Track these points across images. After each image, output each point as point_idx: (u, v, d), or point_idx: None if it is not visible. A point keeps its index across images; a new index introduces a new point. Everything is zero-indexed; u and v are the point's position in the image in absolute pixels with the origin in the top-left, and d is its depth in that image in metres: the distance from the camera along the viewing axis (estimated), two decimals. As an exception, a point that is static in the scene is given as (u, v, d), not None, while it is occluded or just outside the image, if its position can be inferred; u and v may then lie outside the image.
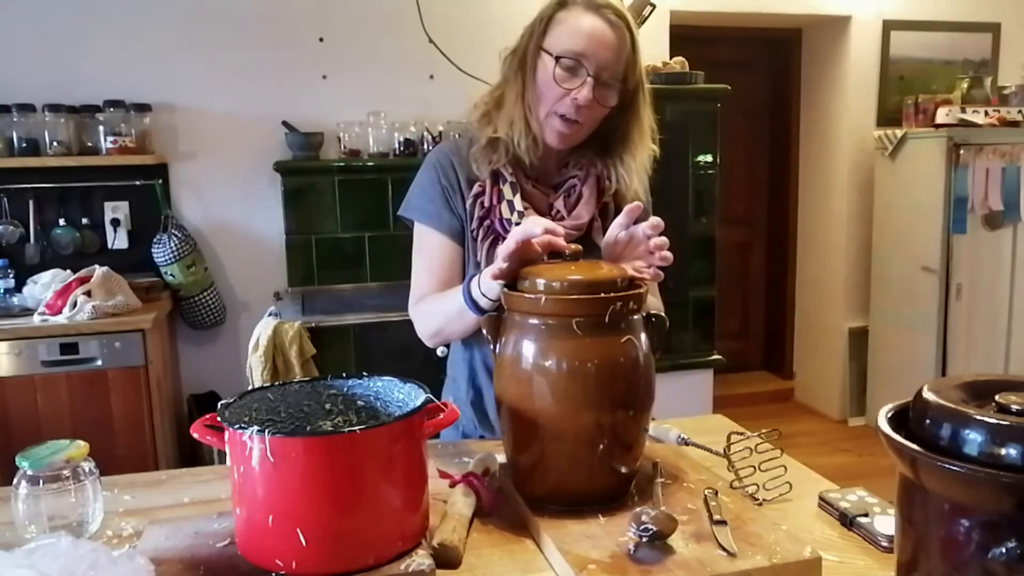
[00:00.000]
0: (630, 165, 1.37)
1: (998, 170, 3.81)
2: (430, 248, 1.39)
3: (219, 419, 0.89)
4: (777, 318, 5.02)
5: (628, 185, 1.37)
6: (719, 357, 3.47)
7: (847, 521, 1.01)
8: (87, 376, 2.75)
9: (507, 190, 1.34)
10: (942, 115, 3.89)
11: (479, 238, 1.35)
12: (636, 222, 1.16)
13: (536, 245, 1.08)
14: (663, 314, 1.39)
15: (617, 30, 1.27)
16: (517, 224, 1.31)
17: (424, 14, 3.41)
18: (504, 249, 1.08)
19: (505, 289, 1.06)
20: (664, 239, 1.10)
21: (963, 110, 3.88)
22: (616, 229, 1.17)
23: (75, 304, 2.78)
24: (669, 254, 1.09)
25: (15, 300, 2.95)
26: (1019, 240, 3.92)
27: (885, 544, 0.95)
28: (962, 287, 3.86)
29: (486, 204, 1.34)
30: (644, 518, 0.89)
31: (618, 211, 1.39)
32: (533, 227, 1.08)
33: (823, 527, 1.03)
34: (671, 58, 3.51)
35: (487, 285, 1.17)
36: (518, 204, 1.33)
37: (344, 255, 3.40)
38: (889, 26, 4.22)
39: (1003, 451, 0.61)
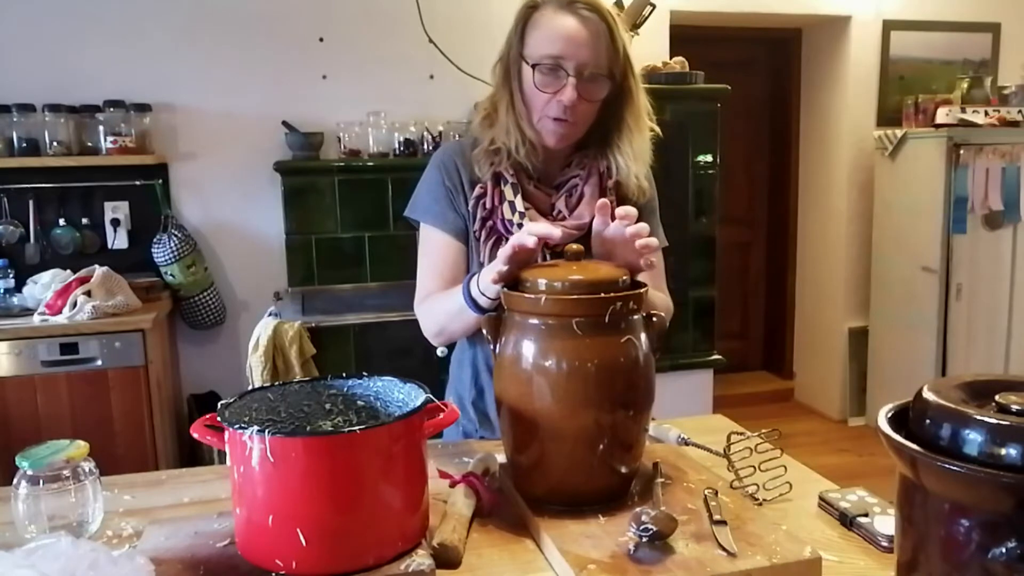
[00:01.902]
0: (628, 151, 1.36)
1: (998, 170, 3.81)
2: (435, 248, 1.39)
3: (219, 419, 0.89)
4: (777, 318, 5.02)
5: (629, 172, 1.36)
6: (719, 357, 3.47)
7: (847, 521, 1.01)
8: (87, 376, 2.75)
9: (508, 191, 1.34)
10: (942, 115, 3.89)
11: (481, 239, 1.35)
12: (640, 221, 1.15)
13: (532, 247, 1.07)
14: (671, 308, 1.39)
15: (591, 25, 1.26)
16: (519, 225, 1.31)
17: (424, 14, 3.41)
18: (502, 253, 1.08)
19: (505, 289, 1.06)
20: (641, 226, 1.08)
21: (963, 110, 3.88)
22: (598, 225, 1.16)
23: (75, 304, 2.78)
24: (653, 239, 1.07)
25: (15, 300, 2.95)
26: (1019, 240, 3.92)
27: (885, 544, 0.95)
28: (962, 287, 3.86)
29: (488, 205, 1.35)
30: (644, 518, 0.89)
31: (622, 200, 1.38)
32: (525, 238, 1.07)
33: (823, 527, 1.03)
34: (671, 58, 3.51)
35: (486, 285, 1.17)
36: (519, 205, 1.33)
37: (344, 255, 3.40)
38: (889, 26, 4.22)
39: (1003, 451, 0.61)
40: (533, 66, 1.27)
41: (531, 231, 1.08)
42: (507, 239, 1.30)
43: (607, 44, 1.28)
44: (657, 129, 1.40)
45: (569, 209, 1.36)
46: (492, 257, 1.31)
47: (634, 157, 1.36)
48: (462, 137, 1.50)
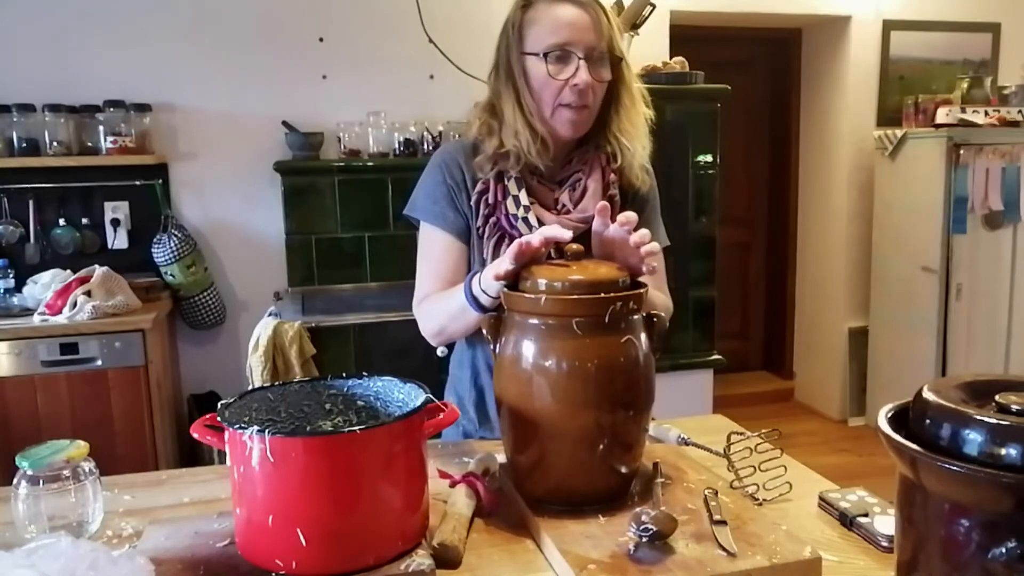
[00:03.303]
0: (628, 130, 1.37)
1: (998, 170, 3.81)
2: (435, 247, 1.39)
3: (219, 419, 0.89)
4: (777, 318, 5.02)
5: (632, 155, 1.37)
6: (719, 357, 3.47)
7: (847, 521, 1.01)
8: (87, 376, 2.75)
9: (512, 186, 1.34)
10: (942, 115, 3.89)
11: (485, 236, 1.35)
12: (644, 224, 1.15)
13: (537, 245, 1.08)
14: (671, 308, 1.39)
15: (590, 10, 1.29)
16: (524, 219, 1.32)
17: (424, 14, 3.41)
18: (510, 251, 1.08)
19: (505, 289, 1.06)
20: (643, 232, 1.08)
21: (963, 110, 3.88)
22: (598, 227, 1.16)
23: (75, 304, 2.78)
24: (655, 244, 1.08)
25: (15, 300, 2.95)
26: (1019, 240, 3.92)
27: (885, 544, 0.95)
28: (962, 287, 3.86)
29: (491, 201, 1.34)
30: (644, 518, 0.89)
31: (625, 188, 1.39)
32: (532, 237, 1.08)
33: (823, 527, 1.03)
34: (671, 58, 3.51)
35: (487, 282, 1.17)
36: (524, 200, 1.33)
37: (344, 255, 3.40)
38: (889, 26, 4.22)
39: (1003, 451, 0.61)
40: (544, 55, 1.27)
41: (544, 234, 1.08)
42: (511, 235, 1.30)
43: (605, 27, 1.30)
44: (651, 113, 1.40)
45: (573, 203, 1.36)
46: (495, 254, 1.31)
47: (634, 136, 1.37)
48: (462, 137, 1.50)
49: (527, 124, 1.32)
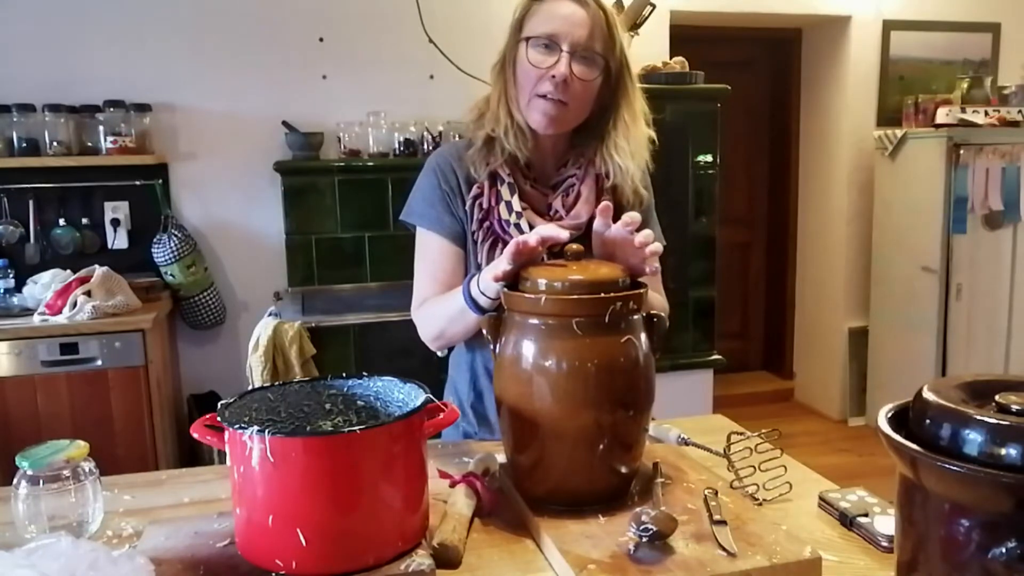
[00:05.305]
0: (624, 148, 1.35)
1: (998, 170, 3.81)
2: (432, 252, 1.39)
3: (219, 419, 0.89)
4: (777, 318, 5.02)
5: (626, 173, 1.36)
6: (719, 357, 3.47)
7: (847, 521, 1.01)
8: (87, 376, 2.75)
9: (505, 191, 1.34)
10: (942, 115, 3.89)
11: (479, 240, 1.35)
12: (641, 225, 1.15)
13: (534, 245, 1.08)
14: (667, 309, 1.39)
15: (590, 10, 1.29)
16: (516, 225, 1.31)
17: (424, 14, 3.41)
18: (507, 251, 1.09)
19: (505, 289, 1.06)
20: (647, 233, 1.08)
21: (963, 110, 3.88)
22: (599, 227, 1.16)
23: (75, 304, 2.78)
24: (657, 245, 1.08)
25: (15, 300, 2.95)
26: (1019, 240, 3.92)
27: (885, 544, 0.95)
28: (962, 287, 3.86)
29: (484, 206, 1.34)
30: (644, 518, 0.89)
31: (618, 207, 1.38)
32: (529, 237, 1.08)
33: (823, 527, 1.03)
34: (671, 58, 3.51)
35: (486, 284, 1.17)
36: (516, 205, 1.33)
37: (344, 255, 3.40)
38: (889, 26, 4.22)
39: (1003, 451, 0.61)
40: (527, 39, 1.28)
41: (541, 233, 1.08)
42: (504, 241, 1.30)
43: (603, 31, 1.29)
44: (653, 134, 1.40)
45: (566, 208, 1.36)
46: (489, 259, 1.31)
47: (631, 155, 1.35)
48: (460, 138, 1.51)
49: (507, 111, 1.33)
